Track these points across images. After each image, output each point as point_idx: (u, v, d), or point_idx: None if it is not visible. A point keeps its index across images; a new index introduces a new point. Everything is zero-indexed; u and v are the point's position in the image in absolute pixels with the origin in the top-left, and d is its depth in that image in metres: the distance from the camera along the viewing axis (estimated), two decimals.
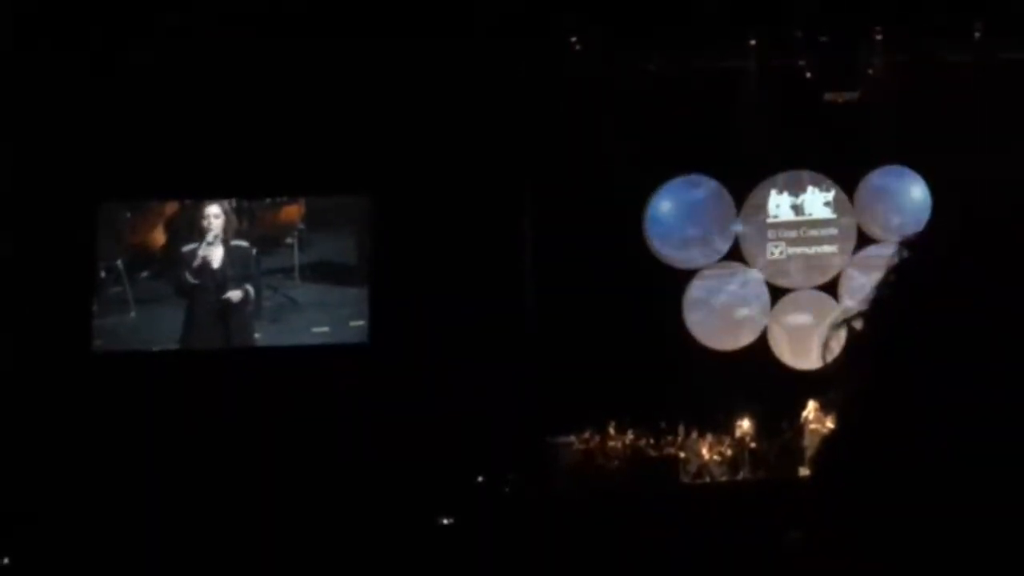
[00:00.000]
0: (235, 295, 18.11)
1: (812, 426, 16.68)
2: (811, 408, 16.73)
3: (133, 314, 18.00)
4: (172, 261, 18.25)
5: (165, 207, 18.35)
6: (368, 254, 18.06)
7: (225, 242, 18.21)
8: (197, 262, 18.12)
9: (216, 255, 18.17)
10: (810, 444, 16.67)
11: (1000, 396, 0.76)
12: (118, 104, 16.94)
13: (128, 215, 18.41)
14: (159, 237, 18.34)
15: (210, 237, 18.20)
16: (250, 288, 18.16)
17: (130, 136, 17.02)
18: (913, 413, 0.78)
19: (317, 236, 18.30)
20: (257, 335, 18.20)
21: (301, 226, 18.41)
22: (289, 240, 18.40)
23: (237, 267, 18.24)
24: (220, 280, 18.17)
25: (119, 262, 18.13)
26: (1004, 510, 0.75)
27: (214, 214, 18.24)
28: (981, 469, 0.76)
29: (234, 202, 18.31)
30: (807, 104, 17.77)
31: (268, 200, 18.46)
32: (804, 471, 15.92)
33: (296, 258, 18.36)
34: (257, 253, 18.28)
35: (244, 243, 18.30)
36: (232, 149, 17.10)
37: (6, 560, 14.16)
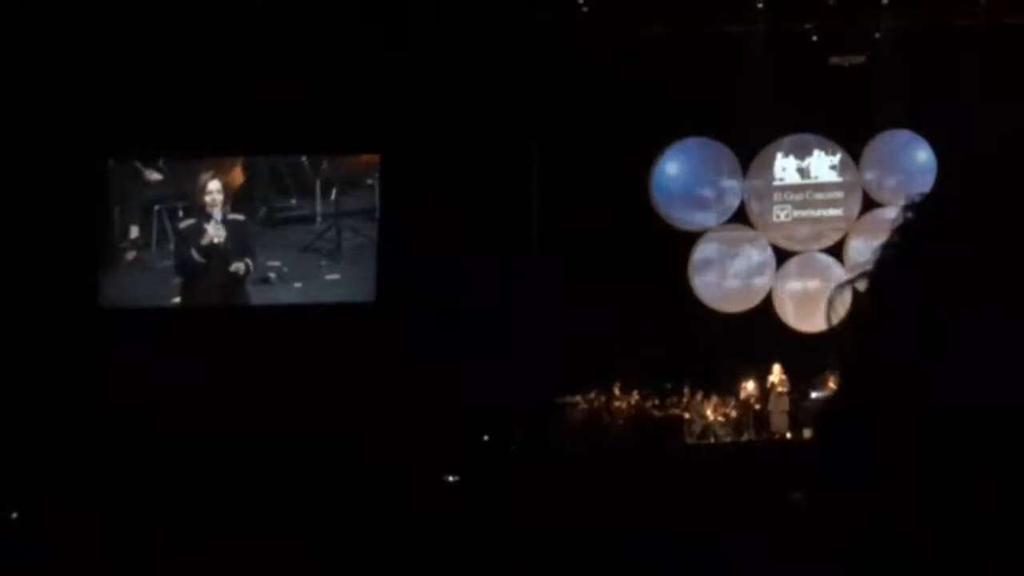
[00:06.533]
0: (239, 268, 18.03)
1: (778, 390, 16.79)
2: (776, 372, 16.81)
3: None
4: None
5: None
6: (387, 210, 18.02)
7: (224, 217, 18.16)
8: (205, 240, 18.04)
9: (219, 232, 18.07)
10: (775, 409, 16.79)
11: (1006, 355, 0.77)
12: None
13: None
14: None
15: (217, 214, 18.11)
16: (249, 262, 18.06)
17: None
18: (918, 374, 0.79)
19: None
20: (329, 276, 18.02)
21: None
22: (370, 181, 18.27)
23: (236, 240, 18.15)
24: (224, 256, 18.10)
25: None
26: (1013, 469, 0.75)
27: (216, 189, 18.14)
28: (988, 429, 0.76)
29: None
30: (814, 68, 17.74)
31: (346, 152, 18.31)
32: (808, 433, 15.98)
33: (377, 199, 18.23)
34: (258, 222, 18.21)
35: (241, 217, 18.22)
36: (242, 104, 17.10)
37: (15, 515, 14.21)
